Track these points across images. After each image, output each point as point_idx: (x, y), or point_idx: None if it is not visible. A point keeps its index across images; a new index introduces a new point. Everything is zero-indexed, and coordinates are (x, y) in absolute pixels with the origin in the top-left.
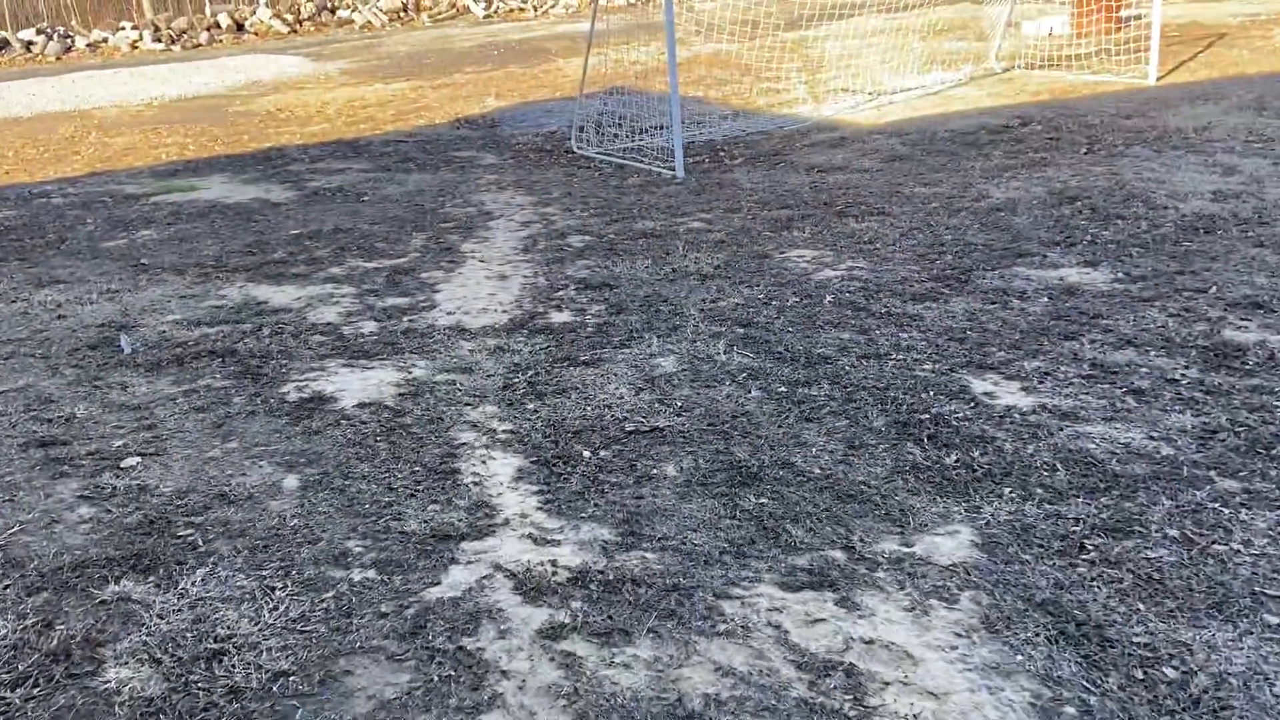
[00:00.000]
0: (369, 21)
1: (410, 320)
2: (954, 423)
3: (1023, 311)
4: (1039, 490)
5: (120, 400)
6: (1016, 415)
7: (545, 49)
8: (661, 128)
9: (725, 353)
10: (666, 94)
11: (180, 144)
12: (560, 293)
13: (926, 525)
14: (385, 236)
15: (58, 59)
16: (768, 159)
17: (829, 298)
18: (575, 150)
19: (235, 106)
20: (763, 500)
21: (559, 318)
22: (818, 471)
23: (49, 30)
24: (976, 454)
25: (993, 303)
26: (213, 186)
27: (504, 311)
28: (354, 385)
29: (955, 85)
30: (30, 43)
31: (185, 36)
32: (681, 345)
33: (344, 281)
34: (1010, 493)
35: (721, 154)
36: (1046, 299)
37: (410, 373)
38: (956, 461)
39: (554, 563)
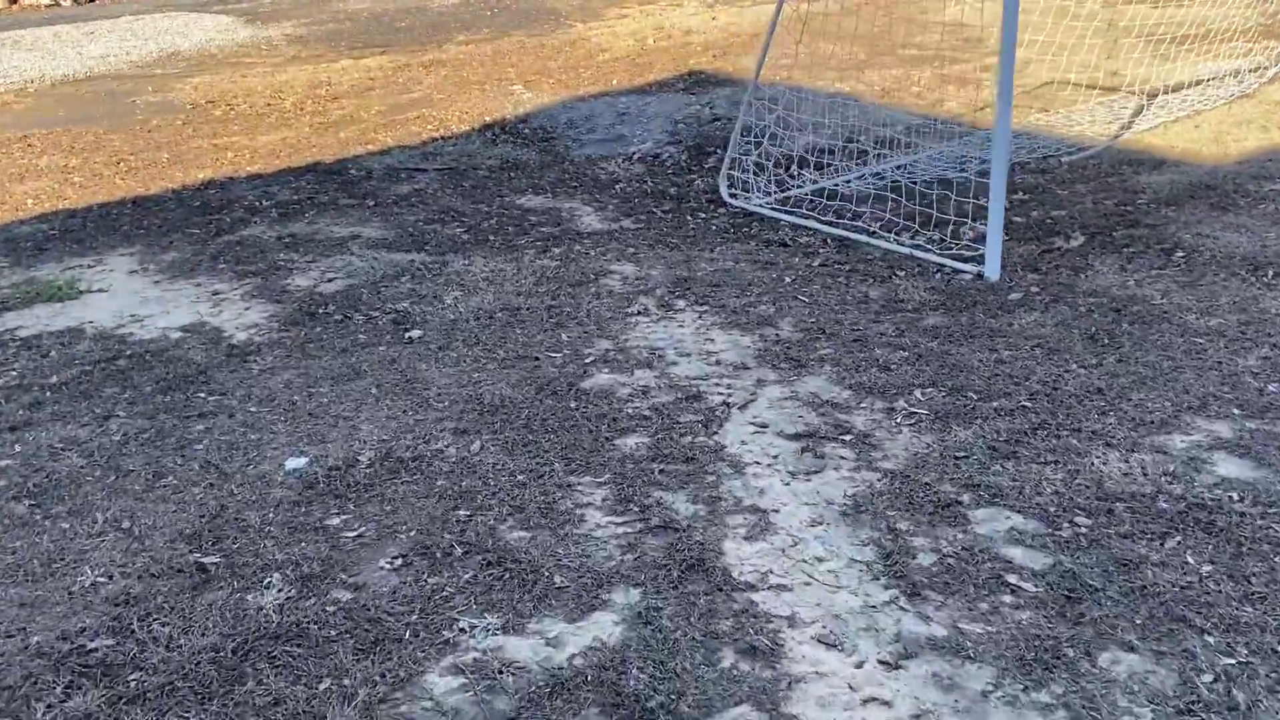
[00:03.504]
0: None
1: None
2: None
3: None
4: None
5: None
6: None
7: (551, 9)
8: (826, 155)
9: None
10: (781, 84)
11: (61, 172)
12: None
13: None
14: (511, 495)
15: None
16: (1125, 231)
17: None
18: (728, 200)
19: (146, 95)
20: None
21: None
22: None
23: None
24: None
25: None
26: (111, 284)
27: None
28: None
29: (1267, 83)
30: None
31: None
32: None
33: None
34: None
35: (1014, 217)
36: None
37: None
38: None
39: None
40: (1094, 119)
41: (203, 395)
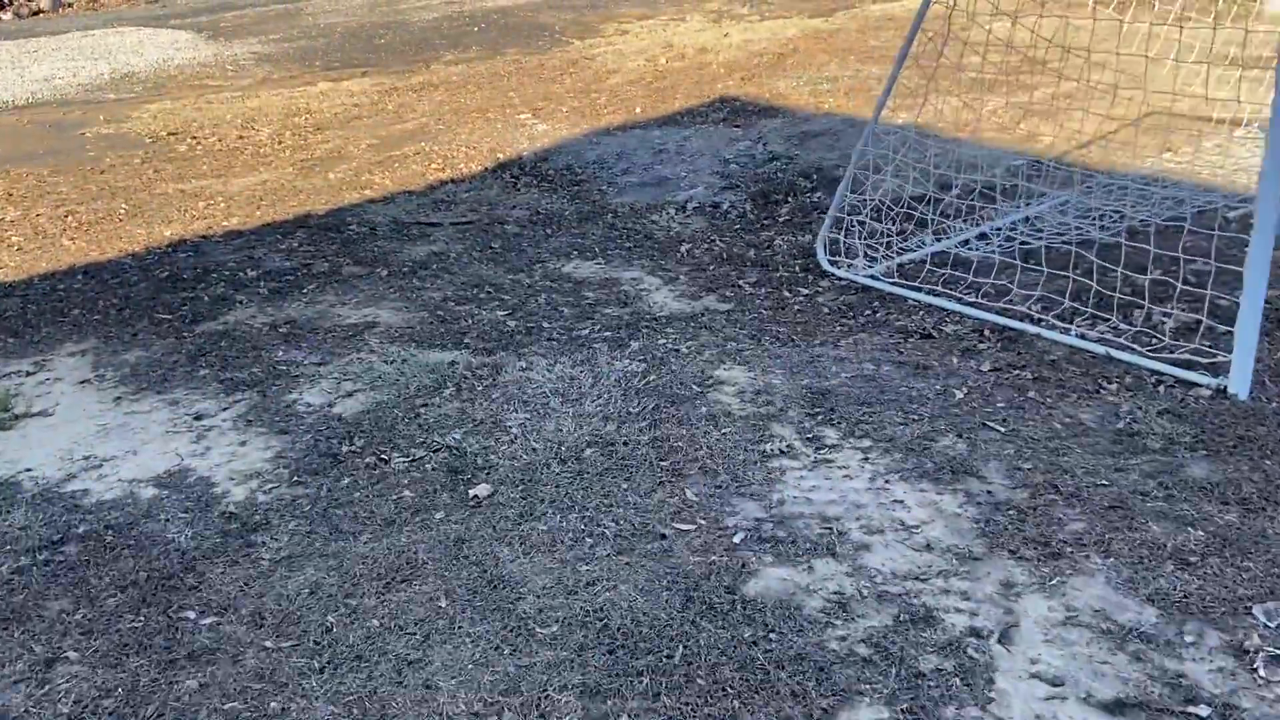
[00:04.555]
0: None
1: None
2: None
3: None
4: None
5: None
6: None
7: (542, 24)
8: (918, 206)
9: None
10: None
11: None
12: None
13: None
14: None
15: None
16: None
17: None
18: (829, 269)
19: (98, 126)
20: None
21: None
22: None
23: None
24: None
25: None
26: (58, 401)
27: None
28: None
29: None
30: None
31: (18, 1)
32: None
33: None
34: None
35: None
36: None
37: None
38: None
39: None
40: (1234, 161)
41: (192, 616)
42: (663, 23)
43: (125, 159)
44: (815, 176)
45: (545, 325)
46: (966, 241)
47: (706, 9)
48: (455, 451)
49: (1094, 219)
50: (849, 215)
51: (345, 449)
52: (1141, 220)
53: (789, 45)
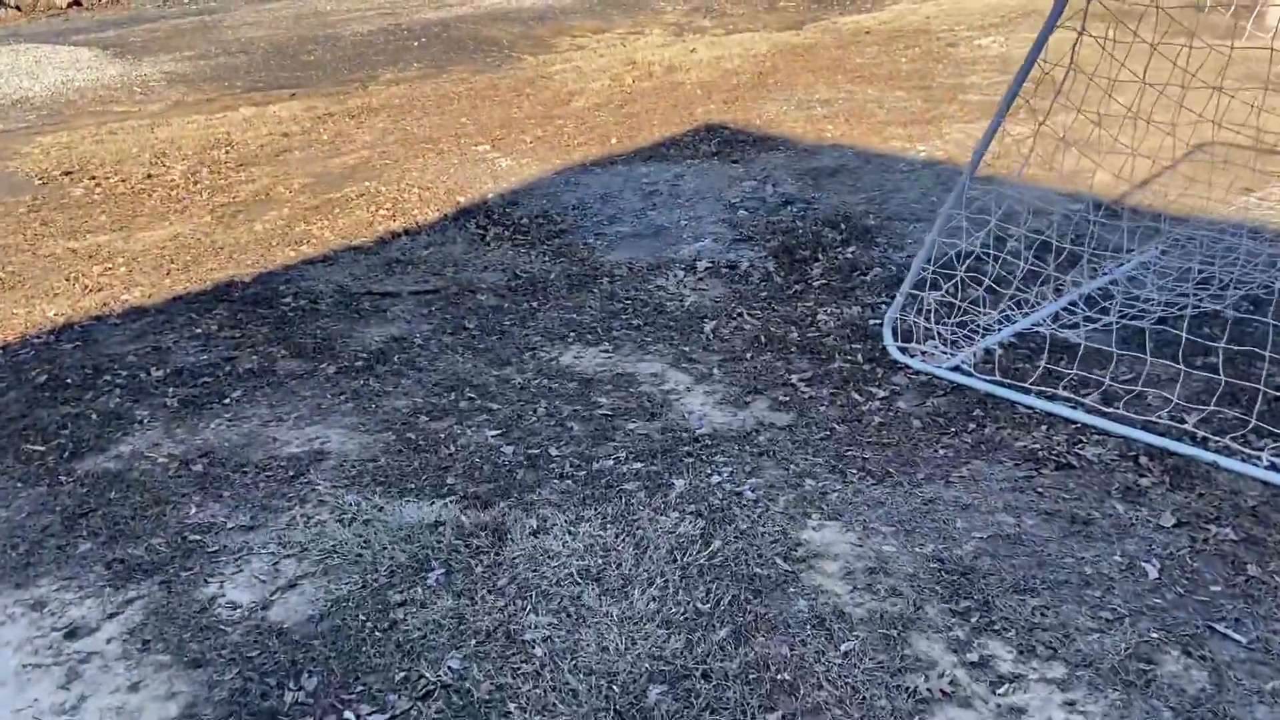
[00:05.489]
0: None
1: None
2: None
3: None
4: None
5: None
6: None
7: (489, 38)
8: (962, 265)
9: None
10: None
11: None
12: None
13: None
14: None
15: None
16: None
17: None
18: (899, 358)
19: None
20: None
21: None
22: None
23: None
24: None
25: None
26: None
27: None
28: None
29: None
30: None
31: None
32: None
33: None
34: None
35: None
36: None
37: None
38: None
39: None
40: None
41: None
42: (620, 36)
43: (8, 208)
44: (843, 226)
45: (553, 453)
46: (1056, 316)
47: (665, 21)
48: (456, 697)
49: (1208, 282)
50: (927, 292)
51: (289, 696)
52: (1263, 286)
53: (765, 63)
